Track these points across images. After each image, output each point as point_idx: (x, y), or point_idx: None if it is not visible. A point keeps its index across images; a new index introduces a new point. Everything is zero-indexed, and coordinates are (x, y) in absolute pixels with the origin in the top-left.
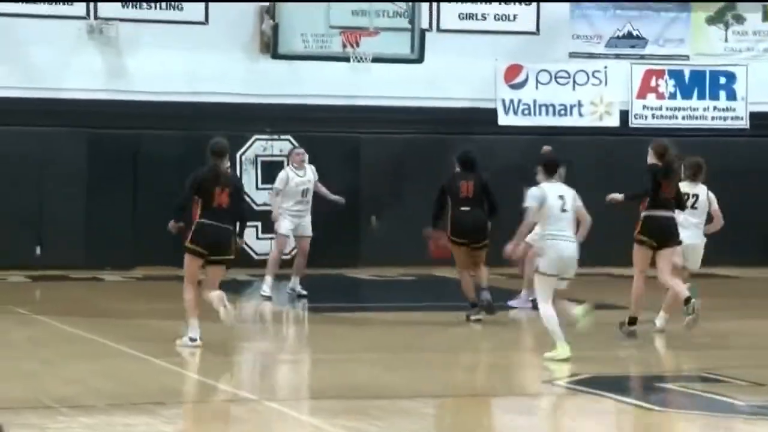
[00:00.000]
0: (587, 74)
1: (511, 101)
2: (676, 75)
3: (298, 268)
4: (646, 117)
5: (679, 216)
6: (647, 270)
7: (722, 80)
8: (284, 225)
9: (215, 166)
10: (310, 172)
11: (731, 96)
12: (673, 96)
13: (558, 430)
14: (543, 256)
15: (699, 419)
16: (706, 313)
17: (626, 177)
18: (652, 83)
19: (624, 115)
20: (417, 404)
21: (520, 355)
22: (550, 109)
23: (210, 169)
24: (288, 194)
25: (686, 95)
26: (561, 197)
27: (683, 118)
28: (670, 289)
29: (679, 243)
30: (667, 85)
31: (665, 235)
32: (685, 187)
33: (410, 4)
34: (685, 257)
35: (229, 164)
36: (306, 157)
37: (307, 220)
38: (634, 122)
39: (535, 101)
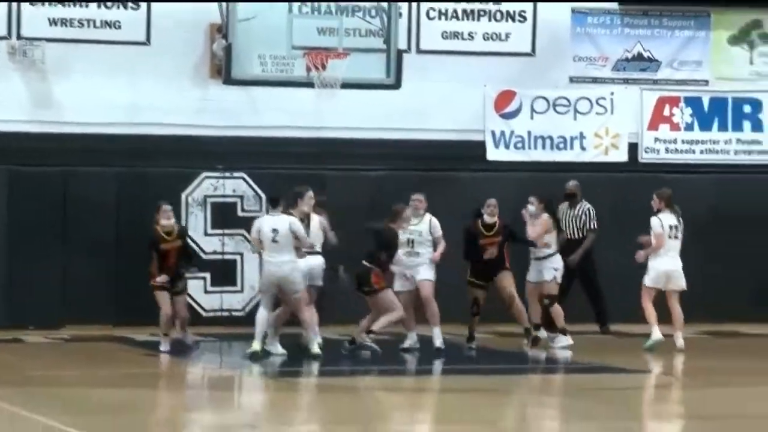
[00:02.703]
0: (591, 102)
1: (503, 133)
2: (694, 103)
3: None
4: (658, 151)
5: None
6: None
7: (747, 109)
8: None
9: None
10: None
11: (757, 127)
12: (689, 127)
13: None
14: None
15: None
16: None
17: (635, 219)
18: (666, 112)
19: (633, 148)
20: None
21: None
22: (548, 141)
23: None
24: None
25: (705, 126)
26: (274, 230)
27: (702, 152)
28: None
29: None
30: (683, 115)
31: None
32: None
33: (385, 22)
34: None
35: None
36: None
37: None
38: (644, 157)
39: (529, 133)
